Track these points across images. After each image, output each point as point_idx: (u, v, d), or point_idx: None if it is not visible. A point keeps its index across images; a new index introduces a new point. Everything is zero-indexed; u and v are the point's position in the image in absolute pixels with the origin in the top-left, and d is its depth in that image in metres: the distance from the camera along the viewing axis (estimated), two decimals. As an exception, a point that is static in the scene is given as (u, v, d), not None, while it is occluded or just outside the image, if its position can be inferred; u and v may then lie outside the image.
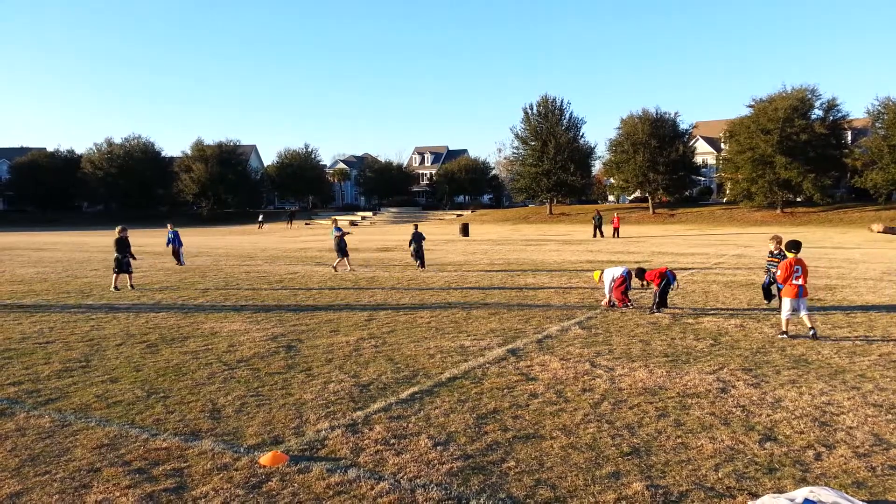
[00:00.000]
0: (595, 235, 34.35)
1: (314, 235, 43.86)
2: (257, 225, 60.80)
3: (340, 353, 7.83)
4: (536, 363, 7.24)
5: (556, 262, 19.85)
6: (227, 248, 29.28)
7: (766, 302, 10.79)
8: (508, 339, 8.52)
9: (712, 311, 10.41)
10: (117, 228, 14.46)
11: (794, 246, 8.35)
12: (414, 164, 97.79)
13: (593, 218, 36.10)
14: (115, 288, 13.75)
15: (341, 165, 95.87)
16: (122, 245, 13.94)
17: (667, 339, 8.37)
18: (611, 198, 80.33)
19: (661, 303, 10.27)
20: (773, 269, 10.31)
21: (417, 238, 18.16)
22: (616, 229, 34.49)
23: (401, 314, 10.49)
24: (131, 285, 14.08)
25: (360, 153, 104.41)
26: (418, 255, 17.92)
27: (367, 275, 16.67)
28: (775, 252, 10.34)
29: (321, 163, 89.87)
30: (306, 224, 68.89)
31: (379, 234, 44.11)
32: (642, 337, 8.55)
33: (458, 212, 72.99)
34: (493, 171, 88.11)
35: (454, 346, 8.15)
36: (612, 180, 66.38)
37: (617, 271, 10.83)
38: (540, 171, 61.18)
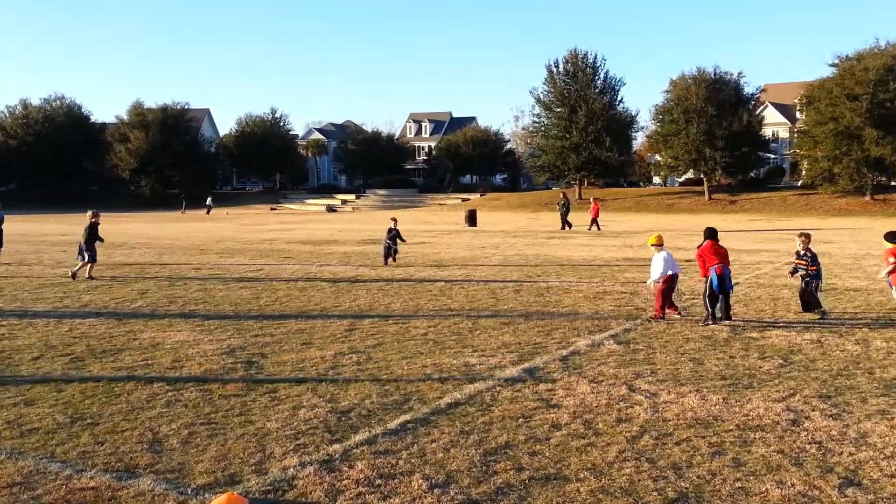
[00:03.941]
0: (564, 227, 33.90)
1: (282, 224, 43.89)
2: (206, 210, 61.01)
3: (314, 372, 7.86)
4: (560, 386, 7.26)
5: (585, 259, 19.86)
6: (172, 239, 29.33)
7: (810, 313, 10.87)
8: (525, 355, 8.53)
9: (782, 324, 10.40)
10: (89, 213, 16.27)
11: (893, 237, 8.58)
12: (409, 135, 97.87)
13: (558, 204, 35.54)
14: (91, 277, 15.67)
15: (317, 136, 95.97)
16: (94, 232, 15.89)
17: (724, 358, 8.39)
18: (656, 179, 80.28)
19: (715, 314, 10.28)
20: (802, 272, 11.05)
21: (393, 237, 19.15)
22: (594, 220, 33.78)
23: (390, 323, 10.50)
24: (90, 276, 15.74)
25: (340, 120, 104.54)
26: (388, 250, 18.85)
27: (349, 274, 16.70)
28: (802, 253, 11.12)
29: (291, 132, 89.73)
30: (272, 209, 69.03)
31: (363, 223, 44.11)
32: (693, 354, 8.56)
33: (464, 195, 73.09)
34: (509, 145, 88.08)
35: (456, 363, 8.17)
36: (657, 157, 66.32)
37: (664, 265, 10.72)
38: (567, 144, 61.25)
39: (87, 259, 15.66)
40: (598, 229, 33.00)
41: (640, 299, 12.61)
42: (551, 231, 33.40)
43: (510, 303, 12.37)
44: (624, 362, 8.21)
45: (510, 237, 29.56)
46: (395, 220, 19.56)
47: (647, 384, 7.34)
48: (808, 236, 11.35)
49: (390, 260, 18.63)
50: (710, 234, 10.70)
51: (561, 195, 37.04)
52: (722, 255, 10.44)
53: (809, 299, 10.96)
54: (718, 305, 10.39)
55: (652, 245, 11.06)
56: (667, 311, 10.83)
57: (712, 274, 10.28)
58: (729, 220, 42.34)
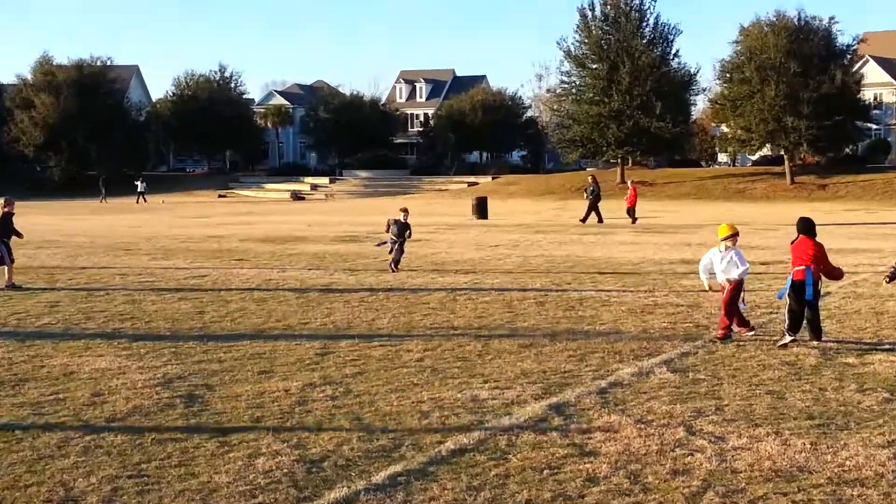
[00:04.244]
0: (586, 218, 34.05)
1: (234, 215, 43.87)
2: (136, 198, 61.11)
3: (276, 409, 7.85)
4: (597, 427, 7.25)
5: (631, 261, 19.87)
6: (91, 235, 29.36)
7: None
8: (551, 387, 8.54)
9: (888, 345, 10.40)
10: (1, 201, 16.55)
11: None
12: (399, 99, 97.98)
13: (585, 190, 35.75)
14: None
15: (279, 101, 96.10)
16: (9, 224, 16.25)
17: (812, 391, 8.38)
18: (722, 157, 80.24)
19: (795, 327, 10.26)
20: None
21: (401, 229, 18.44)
22: (631, 208, 33.91)
23: (375, 345, 10.51)
24: (11, 284, 15.90)
25: (310, 81, 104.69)
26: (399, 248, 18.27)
27: (321, 281, 16.68)
28: None
29: (246, 96, 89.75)
30: (220, 197, 69.14)
31: (340, 214, 44.07)
32: (771, 386, 8.56)
33: (471, 178, 73.15)
34: (530, 112, 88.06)
35: (462, 398, 8.17)
36: (723, 128, 66.30)
37: (734, 267, 10.73)
38: (606, 111, 61.35)
39: (8, 260, 15.99)
40: (633, 221, 33.11)
41: (702, 314, 12.60)
42: (586, 225, 33.40)
43: (531, 319, 12.36)
44: (681, 396, 8.20)
45: (531, 232, 29.55)
46: (405, 210, 18.83)
47: (710, 425, 7.32)
48: None
49: (392, 264, 18.05)
50: (804, 227, 10.77)
51: (589, 179, 37.12)
52: (810, 256, 10.43)
53: None
54: (805, 321, 10.40)
55: (724, 238, 10.97)
56: (735, 328, 10.82)
57: (788, 279, 10.31)
58: (818, 209, 42.30)
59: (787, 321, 10.40)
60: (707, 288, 11.50)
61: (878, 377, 8.90)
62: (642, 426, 7.29)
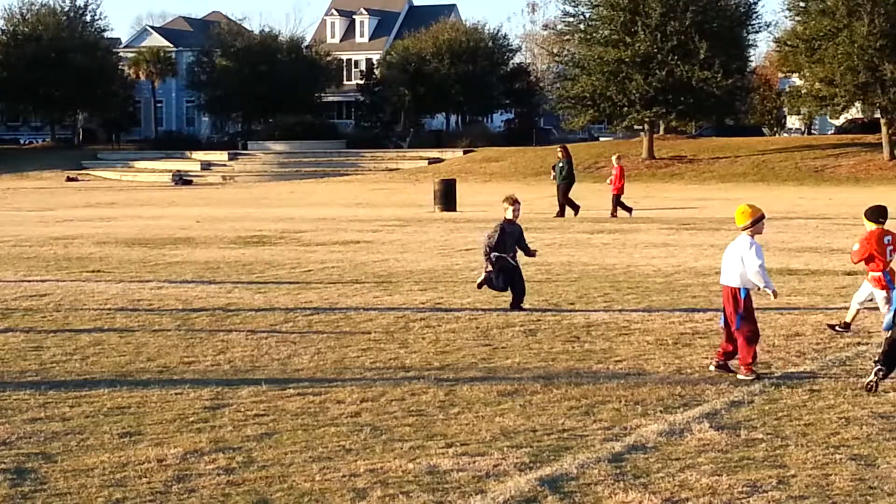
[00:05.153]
0: (563, 212, 35.14)
1: (89, 206, 43.44)
2: None
3: (144, 488, 7.74)
4: (608, 510, 7.25)
5: (661, 270, 20.01)
6: None
7: None
8: (544, 452, 8.53)
9: None
10: None
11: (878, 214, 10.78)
12: (331, 39, 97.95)
13: (553, 168, 37.03)
14: None
15: (156, 41, 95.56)
16: None
17: (916, 456, 8.42)
18: (793, 121, 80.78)
19: (890, 362, 10.36)
20: None
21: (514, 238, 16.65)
22: (617, 196, 35.15)
23: (290, 394, 10.48)
24: None
25: (201, 13, 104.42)
26: (510, 276, 16.40)
27: (214, 301, 16.59)
28: None
29: (108, 35, 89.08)
30: (69, 180, 68.47)
31: (244, 205, 43.77)
32: (858, 448, 8.57)
33: (433, 152, 72.90)
34: (519, 58, 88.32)
35: (415, 469, 8.12)
36: (795, 80, 66.72)
37: (752, 265, 10.93)
38: (628, 56, 61.36)
39: None
40: (615, 214, 33.73)
41: (762, 344, 12.64)
42: (597, 219, 33.50)
43: (517, 354, 12.37)
44: (729, 464, 8.19)
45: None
46: (514, 201, 16.43)
47: (770, 505, 7.34)
48: None
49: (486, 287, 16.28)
50: (876, 215, 11.36)
51: (559, 152, 37.21)
52: None
53: None
54: None
55: (743, 227, 11.17)
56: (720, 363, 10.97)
57: (893, 299, 10.48)
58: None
59: (882, 352, 10.42)
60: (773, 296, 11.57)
61: None
62: (673, 507, 7.29)
